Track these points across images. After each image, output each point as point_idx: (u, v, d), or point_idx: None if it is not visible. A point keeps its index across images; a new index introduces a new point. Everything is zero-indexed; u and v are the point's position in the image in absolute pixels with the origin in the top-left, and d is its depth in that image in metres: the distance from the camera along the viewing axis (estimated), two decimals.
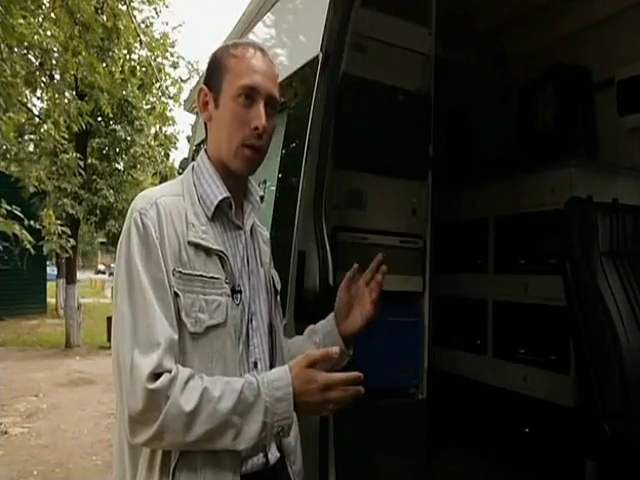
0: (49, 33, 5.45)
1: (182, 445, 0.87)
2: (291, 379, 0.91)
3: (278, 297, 1.16)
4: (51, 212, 6.43)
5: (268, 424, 0.88)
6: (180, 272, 0.92)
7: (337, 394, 0.92)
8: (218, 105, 1.01)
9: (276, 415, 0.89)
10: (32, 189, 6.56)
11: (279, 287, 1.18)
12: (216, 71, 1.02)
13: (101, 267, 42.19)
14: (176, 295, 0.91)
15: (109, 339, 9.35)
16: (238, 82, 0.98)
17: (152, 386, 0.83)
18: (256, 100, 0.99)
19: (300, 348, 1.13)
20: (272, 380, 0.91)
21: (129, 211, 0.95)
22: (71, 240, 6.81)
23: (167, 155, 11.57)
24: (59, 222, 6.64)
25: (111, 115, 9.46)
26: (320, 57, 1.71)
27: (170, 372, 0.85)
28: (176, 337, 0.89)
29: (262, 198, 1.11)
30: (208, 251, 0.96)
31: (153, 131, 10.76)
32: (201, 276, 0.93)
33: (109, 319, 9.41)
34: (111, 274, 28.88)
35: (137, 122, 11.06)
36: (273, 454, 1.03)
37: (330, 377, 0.92)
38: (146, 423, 0.84)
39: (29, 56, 5.65)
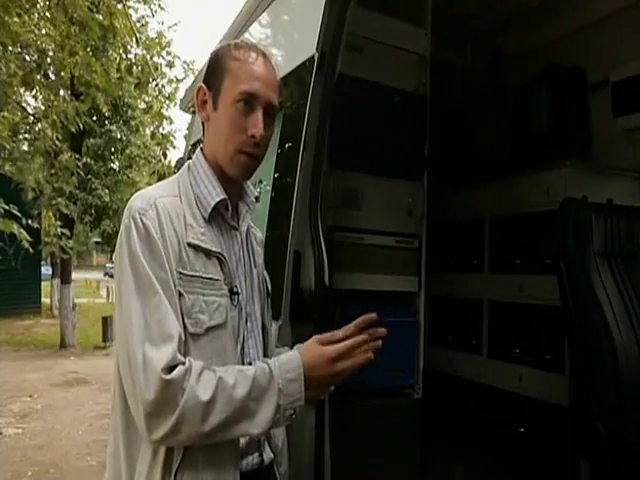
0: (44, 32, 5.42)
1: (197, 436, 0.86)
2: (301, 361, 0.93)
3: (269, 299, 1.16)
4: (50, 213, 6.38)
5: (281, 406, 0.90)
6: (181, 273, 0.91)
7: (346, 363, 0.95)
8: (217, 107, 1.00)
9: (289, 397, 0.91)
10: (31, 194, 6.47)
11: (270, 288, 1.17)
12: (216, 71, 1.01)
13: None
14: (180, 295, 0.90)
15: (104, 339, 9.42)
16: (238, 87, 0.97)
17: (168, 377, 0.83)
18: (255, 107, 0.98)
19: None
20: (283, 363, 0.93)
21: (126, 210, 0.93)
22: (70, 241, 6.77)
23: (165, 154, 11.52)
24: (59, 223, 6.58)
25: (107, 115, 9.42)
26: (316, 57, 1.71)
27: (184, 364, 0.85)
28: (183, 335, 0.89)
29: (257, 199, 1.11)
30: (207, 253, 0.95)
31: (149, 131, 10.72)
32: (201, 277, 0.93)
33: (104, 319, 9.37)
34: (106, 274, 28.80)
35: (133, 122, 11.03)
36: (268, 454, 1.03)
37: (337, 347, 0.95)
38: (163, 416, 0.83)
39: (25, 55, 5.62)
